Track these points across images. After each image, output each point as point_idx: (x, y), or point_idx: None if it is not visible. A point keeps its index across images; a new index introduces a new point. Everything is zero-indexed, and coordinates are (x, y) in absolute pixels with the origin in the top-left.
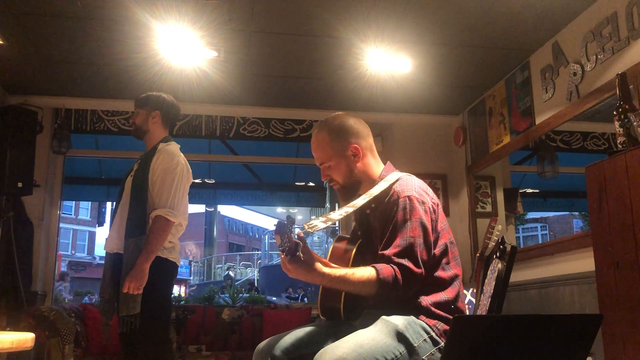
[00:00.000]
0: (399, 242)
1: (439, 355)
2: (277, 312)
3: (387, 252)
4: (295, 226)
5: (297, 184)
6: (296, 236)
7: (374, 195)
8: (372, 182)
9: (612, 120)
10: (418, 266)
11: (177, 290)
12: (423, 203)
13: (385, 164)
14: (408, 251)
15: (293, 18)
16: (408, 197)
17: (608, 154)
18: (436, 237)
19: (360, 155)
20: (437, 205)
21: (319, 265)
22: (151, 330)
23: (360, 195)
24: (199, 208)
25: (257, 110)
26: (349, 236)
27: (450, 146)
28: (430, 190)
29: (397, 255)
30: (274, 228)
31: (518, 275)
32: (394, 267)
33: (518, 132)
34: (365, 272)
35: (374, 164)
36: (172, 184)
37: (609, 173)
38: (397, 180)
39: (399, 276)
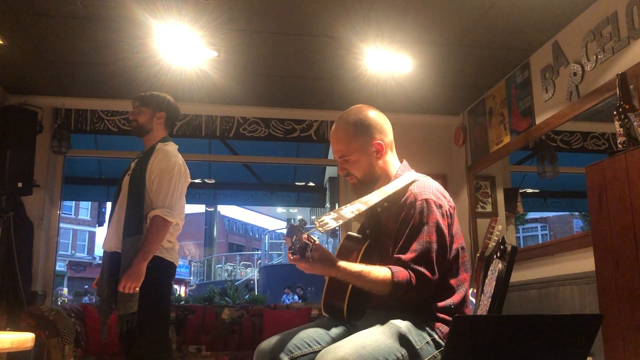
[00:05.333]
0: (416, 247)
1: (441, 357)
2: (277, 312)
3: (403, 256)
4: (307, 226)
5: (297, 184)
6: (306, 236)
7: (387, 194)
8: (388, 180)
9: (612, 120)
10: (433, 272)
11: (178, 290)
12: (440, 207)
13: (401, 162)
14: (424, 256)
15: (293, 18)
16: (425, 200)
17: (608, 154)
18: (450, 242)
19: (383, 152)
20: (454, 208)
21: (334, 258)
22: (150, 330)
23: (372, 190)
24: (199, 208)
25: (257, 110)
26: (358, 235)
27: (450, 146)
28: (447, 194)
29: (414, 261)
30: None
31: (518, 275)
32: (410, 272)
33: (518, 132)
34: (381, 273)
35: (393, 162)
36: (170, 184)
37: (609, 173)
38: (413, 182)
39: (414, 281)
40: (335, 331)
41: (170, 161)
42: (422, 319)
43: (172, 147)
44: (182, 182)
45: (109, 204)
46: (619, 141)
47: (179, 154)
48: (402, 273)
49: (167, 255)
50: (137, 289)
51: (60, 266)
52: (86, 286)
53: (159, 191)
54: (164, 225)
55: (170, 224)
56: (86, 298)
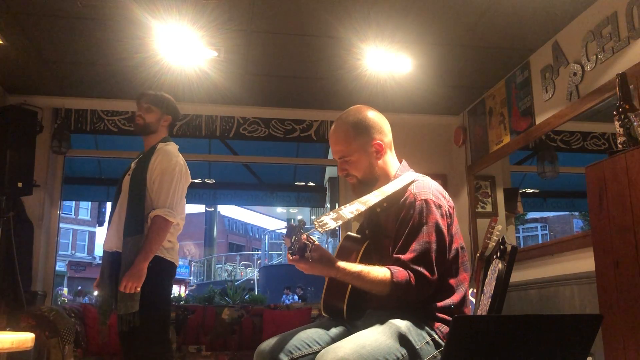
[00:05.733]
0: (415, 247)
1: (440, 357)
2: (277, 312)
3: (403, 256)
4: (306, 226)
5: (297, 184)
6: (305, 236)
7: (387, 194)
8: (387, 180)
9: (612, 120)
10: (432, 272)
11: (177, 290)
12: (440, 207)
13: (400, 162)
14: (424, 257)
15: (293, 18)
16: (425, 200)
17: (608, 154)
18: (450, 242)
19: (382, 152)
20: (453, 209)
21: (334, 259)
22: (150, 330)
23: (372, 190)
24: (199, 208)
25: (257, 110)
26: (357, 235)
27: (450, 146)
28: (446, 194)
29: (413, 261)
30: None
31: (518, 275)
32: (409, 272)
33: (518, 132)
34: (380, 273)
35: (392, 162)
36: (171, 184)
37: (609, 173)
38: (412, 182)
39: (413, 281)
40: (335, 331)
41: (172, 161)
42: (422, 319)
43: (173, 147)
44: (183, 182)
45: (109, 204)
46: (619, 141)
47: (180, 154)
48: (401, 273)
49: (168, 255)
50: (139, 289)
51: (60, 266)
52: (79, 287)
53: (160, 191)
54: (165, 225)
55: (171, 224)
56: (86, 298)
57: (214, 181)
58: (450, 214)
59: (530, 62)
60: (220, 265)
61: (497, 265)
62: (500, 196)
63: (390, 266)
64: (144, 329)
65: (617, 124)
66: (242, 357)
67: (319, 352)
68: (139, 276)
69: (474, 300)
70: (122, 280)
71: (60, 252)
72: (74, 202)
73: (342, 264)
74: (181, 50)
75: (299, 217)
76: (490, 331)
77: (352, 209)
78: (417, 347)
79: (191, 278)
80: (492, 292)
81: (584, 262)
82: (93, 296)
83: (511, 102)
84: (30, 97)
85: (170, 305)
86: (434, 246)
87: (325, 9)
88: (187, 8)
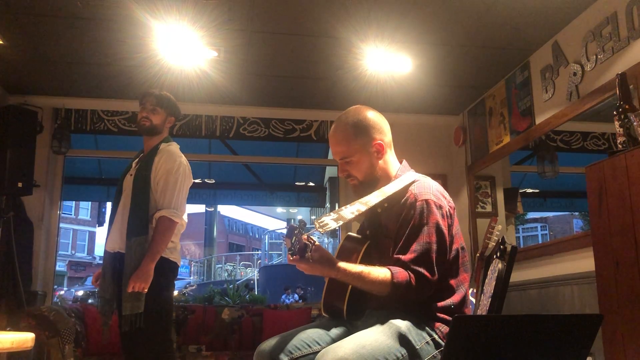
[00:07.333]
0: (415, 248)
1: (440, 357)
2: (277, 312)
3: (403, 257)
4: (307, 226)
5: (297, 184)
6: (306, 237)
7: (387, 194)
8: (388, 180)
9: (612, 120)
10: (433, 273)
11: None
12: (440, 207)
13: (400, 162)
14: (424, 257)
15: (293, 18)
16: (426, 200)
17: (608, 154)
18: (450, 242)
19: (383, 152)
20: (453, 209)
21: (334, 259)
22: (152, 330)
23: (373, 191)
24: (199, 208)
25: (257, 110)
26: (358, 236)
27: (450, 146)
28: (447, 194)
29: (413, 261)
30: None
31: (518, 275)
32: (410, 272)
33: (518, 132)
34: (381, 274)
35: (393, 162)
36: (176, 185)
37: (609, 173)
38: (413, 182)
39: (413, 282)
40: (335, 331)
41: (176, 162)
42: (422, 319)
43: (175, 147)
44: (187, 182)
45: (109, 204)
46: (618, 141)
47: (182, 154)
48: (401, 274)
49: (171, 255)
50: (146, 289)
51: (60, 266)
52: (58, 286)
53: (164, 192)
54: (171, 225)
55: (176, 224)
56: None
57: (214, 181)
58: (450, 214)
59: (530, 62)
60: (220, 265)
61: (497, 265)
62: (500, 196)
63: (390, 267)
64: (147, 328)
65: (617, 124)
66: (242, 357)
67: (319, 352)
68: (147, 277)
69: (474, 300)
70: (130, 281)
71: (60, 252)
72: (74, 202)
73: (342, 264)
74: (181, 50)
75: (299, 217)
76: (490, 331)
77: (352, 210)
78: (417, 347)
79: (191, 278)
80: (492, 292)
81: (584, 262)
82: (81, 285)
83: (511, 102)
84: (30, 97)
85: (173, 305)
86: (434, 247)
87: (325, 9)
88: (187, 8)
